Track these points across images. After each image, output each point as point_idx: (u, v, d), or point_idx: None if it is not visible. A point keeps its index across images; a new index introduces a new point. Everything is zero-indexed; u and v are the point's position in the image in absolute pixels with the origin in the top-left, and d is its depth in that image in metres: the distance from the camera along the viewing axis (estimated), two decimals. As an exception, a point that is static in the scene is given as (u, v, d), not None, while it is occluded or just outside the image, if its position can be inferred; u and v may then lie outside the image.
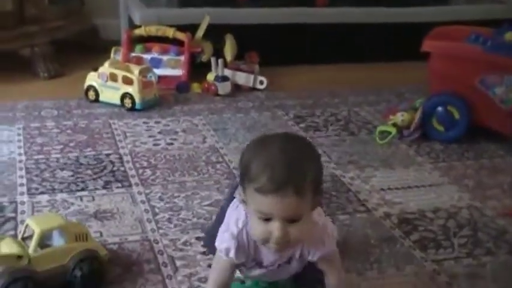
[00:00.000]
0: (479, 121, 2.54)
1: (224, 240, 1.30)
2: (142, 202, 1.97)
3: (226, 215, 1.38)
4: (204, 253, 1.72)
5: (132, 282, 1.59)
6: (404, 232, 1.88)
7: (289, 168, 1.16)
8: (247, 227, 1.29)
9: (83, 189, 2.03)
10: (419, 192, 2.15)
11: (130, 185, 2.07)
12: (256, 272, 1.36)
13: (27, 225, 1.53)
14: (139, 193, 2.02)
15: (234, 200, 1.38)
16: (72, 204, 1.94)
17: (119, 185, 2.07)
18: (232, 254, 1.29)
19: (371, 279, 1.65)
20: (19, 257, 1.45)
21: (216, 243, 1.32)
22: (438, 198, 2.11)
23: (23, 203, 1.92)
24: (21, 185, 2.03)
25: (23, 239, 1.53)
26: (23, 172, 2.12)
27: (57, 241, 1.53)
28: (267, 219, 1.18)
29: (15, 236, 1.66)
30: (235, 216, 1.32)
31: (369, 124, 2.73)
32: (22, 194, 1.98)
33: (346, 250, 1.76)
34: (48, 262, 1.49)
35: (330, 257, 1.34)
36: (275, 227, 1.18)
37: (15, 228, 1.77)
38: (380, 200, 2.08)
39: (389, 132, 2.54)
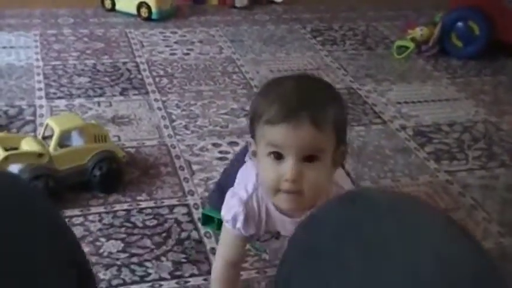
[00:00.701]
0: (500, 36, 2.50)
1: (231, 207, 1.11)
2: (159, 109, 1.99)
3: (237, 177, 1.19)
4: (220, 159, 1.74)
5: (149, 184, 1.62)
6: (419, 144, 1.89)
7: (305, 96, 1.00)
8: (257, 191, 1.10)
9: (100, 95, 2.04)
10: (435, 106, 2.15)
11: (147, 93, 2.08)
12: (275, 244, 1.20)
13: (47, 125, 1.55)
14: (156, 100, 2.04)
15: (245, 164, 1.20)
16: (90, 109, 1.95)
17: (136, 92, 2.08)
18: (240, 224, 1.10)
19: (385, 186, 1.68)
20: (40, 155, 1.48)
21: (222, 211, 1.13)
22: (454, 113, 2.11)
23: (41, 106, 1.94)
24: (39, 89, 2.05)
25: (43, 138, 1.56)
26: (41, 77, 2.13)
27: (77, 141, 1.56)
28: (279, 158, 0.99)
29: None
30: (245, 180, 1.13)
31: (386, 39, 2.70)
32: (40, 98, 1.99)
33: (361, 159, 1.78)
34: (68, 161, 1.52)
35: None
36: (287, 165, 0.98)
37: (35, 130, 1.80)
38: (396, 112, 2.08)
39: (407, 47, 2.51)
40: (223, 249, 1.18)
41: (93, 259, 1.35)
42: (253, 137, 1.05)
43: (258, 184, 1.10)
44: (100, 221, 1.48)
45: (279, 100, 0.99)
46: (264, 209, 1.11)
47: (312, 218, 0.66)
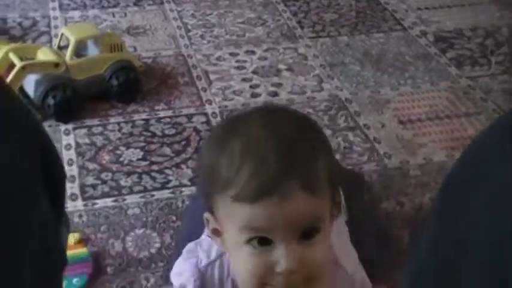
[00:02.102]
0: None
1: (181, 272, 0.83)
2: (175, 19, 1.95)
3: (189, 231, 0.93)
4: (238, 68, 1.72)
5: (167, 94, 1.61)
6: (440, 50, 1.85)
7: (287, 152, 0.71)
8: (223, 258, 0.82)
9: (114, 6, 2.00)
10: (457, 11, 2.09)
11: (162, 3, 2.04)
12: None
13: (62, 35, 1.53)
14: (171, 10, 2.00)
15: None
16: (105, 20, 1.92)
17: (151, 2, 2.04)
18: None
19: (405, 93, 1.65)
20: (56, 64, 1.47)
21: (171, 274, 0.86)
22: (477, 17, 2.05)
23: (55, 18, 1.92)
24: (53, 0, 2.01)
25: (59, 48, 1.54)
26: (54, -12, 2.09)
27: (93, 51, 1.54)
28: (264, 244, 0.71)
29: (50, 48, 1.67)
30: (210, 242, 0.83)
31: None
32: (54, 9, 1.96)
33: (381, 67, 1.75)
34: (85, 71, 1.51)
35: None
36: (279, 253, 0.70)
37: (50, 42, 1.78)
38: (416, 18, 2.02)
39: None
40: None
41: (114, 167, 1.36)
42: (211, 210, 0.75)
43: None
44: (119, 130, 1.48)
45: (251, 165, 0.69)
46: (230, 285, 0.81)
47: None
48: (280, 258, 0.69)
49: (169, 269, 0.92)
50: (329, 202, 0.74)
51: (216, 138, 0.77)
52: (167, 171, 1.36)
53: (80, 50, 1.52)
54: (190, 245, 0.85)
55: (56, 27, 1.86)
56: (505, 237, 0.33)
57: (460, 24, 1.99)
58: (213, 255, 0.82)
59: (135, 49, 1.79)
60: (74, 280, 1.08)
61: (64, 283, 1.06)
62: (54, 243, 0.58)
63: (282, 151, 0.70)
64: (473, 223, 0.35)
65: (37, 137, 0.54)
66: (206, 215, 0.77)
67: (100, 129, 1.48)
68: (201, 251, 0.83)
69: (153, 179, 1.34)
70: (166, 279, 1.11)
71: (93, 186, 1.31)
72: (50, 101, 1.45)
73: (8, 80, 1.40)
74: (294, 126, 0.75)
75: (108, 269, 1.14)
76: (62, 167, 0.61)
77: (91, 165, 1.37)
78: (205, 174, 0.75)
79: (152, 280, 1.12)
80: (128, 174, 1.35)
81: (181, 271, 0.83)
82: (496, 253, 0.33)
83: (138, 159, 1.39)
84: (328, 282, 0.75)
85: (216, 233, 0.76)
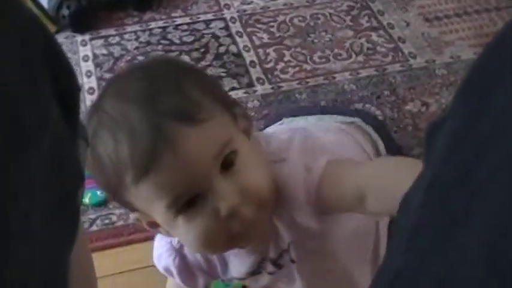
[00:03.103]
0: None
1: (160, 255, 0.79)
2: None
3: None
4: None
5: (184, 0, 1.57)
6: None
7: (146, 107, 0.63)
8: None
9: None
10: None
11: None
12: (261, 282, 0.80)
13: None
14: None
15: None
16: None
17: None
18: (177, 278, 0.79)
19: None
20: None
21: (154, 260, 0.81)
22: None
23: None
24: None
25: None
26: None
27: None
28: (193, 204, 0.64)
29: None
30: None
31: None
32: None
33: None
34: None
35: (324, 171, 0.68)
36: (213, 199, 0.64)
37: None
38: None
39: None
40: None
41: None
42: (132, 209, 0.69)
43: None
44: (136, 39, 1.45)
45: (126, 143, 0.62)
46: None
47: None
48: (217, 204, 0.63)
49: None
50: (227, 120, 0.66)
51: (91, 145, 0.66)
52: (187, 79, 1.34)
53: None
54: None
55: None
56: None
57: None
58: None
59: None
60: (99, 192, 1.09)
61: (88, 195, 1.07)
62: (70, 156, 0.57)
63: (142, 110, 0.62)
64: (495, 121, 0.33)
65: (43, 41, 0.51)
66: (132, 216, 0.71)
67: (117, 39, 1.45)
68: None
69: (173, 88, 1.32)
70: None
71: (113, 98, 1.30)
72: (65, 11, 1.41)
73: (20, -9, 1.36)
74: (146, 79, 0.66)
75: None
76: (74, 75, 0.58)
77: (109, 77, 1.35)
78: (104, 185, 0.68)
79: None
80: (147, 84, 1.33)
81: (160, 254, 0.79)
82: None
83: (157, 68, 1.37)
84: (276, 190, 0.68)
85: (154, 225, 0.70)
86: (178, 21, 1.50)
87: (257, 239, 0.70)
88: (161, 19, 1.51)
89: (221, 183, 0.63)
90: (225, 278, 0.81)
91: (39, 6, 1.43)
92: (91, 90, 1.32)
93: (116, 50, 1.41)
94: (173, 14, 1.52)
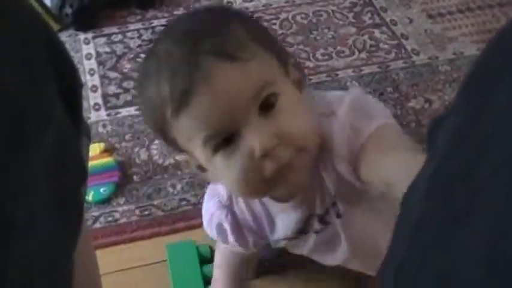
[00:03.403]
0: None
1: (212, 215, 0.81)
2: None
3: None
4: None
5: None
6: None
7: (191, 43, 0.64)
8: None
9: None
10: None
11: None
12: (309, 243, 0.82)
13: None
14: None
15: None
16: None
17: None
18: (231, 237, 0.80)
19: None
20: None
21: (204, 223, 0.83)
22: None
23: None
24: None
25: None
26: None
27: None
28: (230, 143, 0.65)
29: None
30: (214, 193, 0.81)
31: None
32: None
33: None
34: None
35: (371, 136, 0.68)
36: (248, 138, 0.64)
37: None
38: None
39: None
40: (223, 272, 0.90)
41: (135, 75, 1.34)
42: (179, 150, 0.71)
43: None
44: (139, 37, 1.45)
45: (166, 79, 0.64)
46: (258, 205, 0.78)
47: None
48: (252, 143, 0.63)
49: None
50: (272, 64, 0.67)
51: (139, 74, 0.74)
52: (190, 77, 1.34)
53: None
54: (210, 186, 0.83)
55: None
56: None
57: None
58: (227, 193, 0.79)
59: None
60: (101, 189, 1.09)
61: (91, 193, 1.07)
62: (73, 154, 0.57)
63: (184, 48, 0.64)
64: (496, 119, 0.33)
65: (45, 38, 0.51)
66: (179, 158, 0.73)
67: (120, 37, 1.45)
68: (219, 187, 0.79)
69: (176, 85, 1.32)
70: (192, 186, 1.12)
71: (116, 96, 1.30)
72: (68, 9, 1.42)
73: (23, -11, 1.36)
74: (196, 20, 0.70)
75: (135, 178, 1.14)
76: (76, 71, 0.58)
77: (112, 74, 1.35)
78: (153, 125, 0.70)
79: (179, 187, 1.12)
80: (150, 81, 1.33)
81: (212, 213, 0.80)
82: None
83: (160, 66, 1.37)
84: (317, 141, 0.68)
85: (202, 168, 0.71)
86: (181, 18, 1.50)
87: (299, 186, 0.70)
88: (163, 17, 1.51)
89: (258, 122, 0.63)
90: (272, 240, 0.81)
91: (42, 5, 1.43)
92: (94, 88, 1.32)
93: (119, 48, 1.41)
94: (175, 12, 1.52)
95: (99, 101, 1.29)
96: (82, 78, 1.30)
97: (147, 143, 1.20)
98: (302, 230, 0.78)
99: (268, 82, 0.64)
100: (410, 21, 1.47)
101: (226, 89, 0.62)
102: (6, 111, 0.41)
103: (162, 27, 1.46)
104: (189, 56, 0.63)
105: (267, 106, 0.64)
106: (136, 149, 1.19)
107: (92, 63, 1.38)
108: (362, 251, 0.79)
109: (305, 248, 0.81)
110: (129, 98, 1.29)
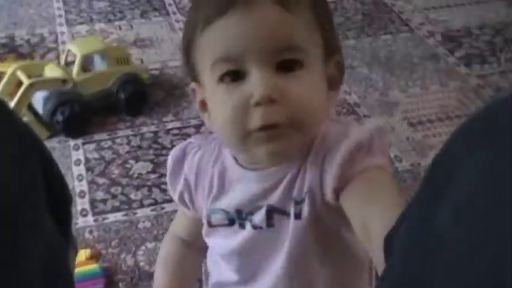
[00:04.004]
0: None
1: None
2: (181, 29, 1.95)
3: None
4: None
5: (175, 105, 1.61)
6: (448, 49, 1.84)
7: None
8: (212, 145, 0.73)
9: (121, 19, 2.01)
10: (465, 9, 2.08)
11: (168, 13, 2.05)
12: (236, 239, 0.71)
13: (68, 50, 1.54)
14: (177, 21, 2.00)
15: None
16: (111, 33, 1.93)
17: (157, 13, 2.05)
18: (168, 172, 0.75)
19: (414, 95, 1.64)
20: (64, 81, 1.47)
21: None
22: (485, 15, 2.03)
23: (62, 33, 1.93)
24: (59, 16, 2.03)
25: (66, 64, 1.55)
26: (60, 4, 2.10)
27: (99, 65, 1.55)
28: (238, 79, 0.62)
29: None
30: None
31: None
32: (61, 25, 1.98)
33: (389, 68, 1.74)
34: (93, 86, 1.51)
35: (370, 170, 0.62)
36: (254, 81, 0.61)
37: (57, 57, 1.79)
38: (423, 19, 2.01)
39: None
40: (173, 222, 0.86)
41: (124, 181, 1.37)
42: (195, 78, 0.68)
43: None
44: (128, 143, 1.48)
45: None
46: (220, 164, 0.71)
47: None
48: (255, 87, 0.60)
49: None
50: (318, 41, 0.64)
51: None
52: (177, 183, 1.36)
53: (86, 64, 1.53)
54: None
55: (63, 42, 1.87)
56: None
57: (467, 23, 1.98)
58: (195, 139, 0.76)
59: (142, 61, 1.79)
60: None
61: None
62: (62, 267, 0.57)
63: None
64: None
65: (38, 154, 0.53)
66: (192, 85, 0.69)
67: (109, 143, 1.48)
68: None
69: (163, 191, 1.34)
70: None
71: (103, 201, 1.32)
72: (59, 117, 1.45)
73: (17, 97, 1.41)
74: None
75: (120, 285, 1.13)
76: (66, 186, 0.60)
77: (101, 180, 1.37)
78: (183, 36, 0.68)
79: (164, 294, 1.11)
80: (138, 187, 1.35)
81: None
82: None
83: (148, 172, 1.39)
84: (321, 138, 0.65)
85: (203, 106, 0.68)
86: (170, 125, 1.54)
87: (277, 159, 0.65)
88: (153, 124, 1.55)
89: (270, 73, 0.61)
90: (206, 209, 0.72)
91: (34, 112, 1.46)
92: (82, 194, 1.33)
93: (108, 154, 1.44)
94: (164, 119, 1.56)
95: (87, 206, 1.30)
96: (70, 184, 1.31)
97: (133, 249, 1.20)
98: (244, 213, 0.69)
99: (302, 48, 0.62)
100: (393, 129, 1.51)
101: (257, 22, 0.60)
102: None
103: (151, 134, 1.50)
104: None
105: (284, 67, 0.62)
106: (122, 255, 1.19)
107: (81, 169, 1.40)
108: (299, 277, 0.70)
109: (235, 241, 0.70)
110: (116, 203, 1.30)
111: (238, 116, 0.61)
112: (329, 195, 0.62)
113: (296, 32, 0.61)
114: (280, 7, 0.60)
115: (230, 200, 0.70)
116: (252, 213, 0.68)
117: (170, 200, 1.31)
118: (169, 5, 2.10)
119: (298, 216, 0.65)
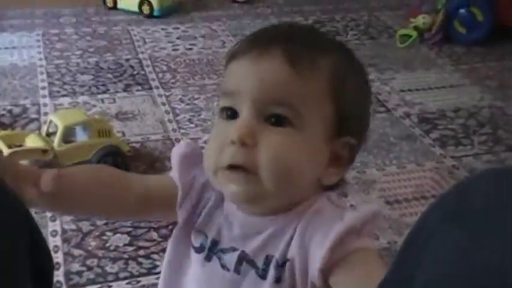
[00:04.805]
0: (504, 21, 2.48)
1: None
2: (163, 104, 1.99)
3: None
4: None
5: (155, 178, 1.62)
6: (424, 130, 1.89)
7: (288, 32, 0.71)
8: None
9: (104, 92, 2.04)
10: (440, 93, 2.14)
11: (150, 88, 2.08)
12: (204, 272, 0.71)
13: (50, 121, 1.56)
14: (160, 95, 2.04)
15: None
16: (94, 106, 1.96)
17: (139, 87, 2.08)
18: (175, 160, 0.72)
19: (391, 174, 1.67)
20: (44, 151, 1.48)
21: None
22: (459, 99, 2.09)
23: (45, 105, 1.95)
24: (43, 88, 2.05)
25: (48, 135, 1.56)
26: (44, 76, 2.13)
27: (81, 137, 1.56)
28: (232, 117, 0.66)
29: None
30: None
31: (389, 29, 2.69)
32: (44, 96, 2.00)
33: (366, 147, 1.77)
34: (73, 157, 1.52)
35: (358, 252, 0.61)
36: (237, 121, 0.64)
37: (39, 128, 1.80)
38: (400, 100, 2.07)
39: (410, 36, 2.50)
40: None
41: (100, 253, 1.36)
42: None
43: None
44: (106, 215, 1.48)
45: (250, 36, 0.70)
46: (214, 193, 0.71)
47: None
48: (234, 127, 0.64)
49: None
50: (322, 107, 0.65)
51: None
52: (154, 256, 1.36)
53: (68, 135, 1.54)
54: None
55: (45, 114, 1.89)
56: None
57: (442, 106, 2.04)
58: None
59: (124, 134, 1.81)
60: None
61: None
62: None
63: (283, 31, 0.71)
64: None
65: (24, 224, 0.54)
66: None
67: (87, 214, 1.48)
68: None
69: (140, 264, 1.33)
70: None
71: (79, 273, 1.30)
72: (37, 187, 1.45)
73: (-4, 167, 1.41)
74: (318, 34, 0.78)
75: None
76: (50, 256, 0.60)
77: (76, 252, 1.36)
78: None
79: None
80: (114, 260, 1.34)
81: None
82: None
83: (125, 245, 1.38)
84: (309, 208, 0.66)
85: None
86: (148, 198, 1.54)
87: (242, 205, 0.67)
88: (131, 196, 1.55)
89: (254, 119, 0.64)
90: (197, 222, 0.71)
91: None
92: (57, 266, 1.31)
93: (85, 226, 1.43)
94: (143, 192, 1.56)
95: (61, 278, 1.28)
96: (46, 255, 1.30)
97: (107, 323, 1.18)
98: (218, 248, 0.69)
99: (292, 107, 0.64)
100: (369, 206, 1.53)
101: (260, 73, 0.64)
102: None
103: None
104: (275, 36, 0.68)
105: (275, 122, 0.64)
106: (95, 329, 1.17)
107: (57, 240, 1.39)
108: None
109: (198, 268, 0.70)
110: (92, 276, 1.29)
111: (215, 152, 0.64)
112: (314, 273, 0.62)
113: (295, 92, 0.64)
114: (288, 66, 0.64)
115: (216, 227, 0.70)
116: (225, 251, 0.69)
117: (146, 273, 1.30)
118: (152, 80, 2.14)
119: (278, 280, 0.65)
